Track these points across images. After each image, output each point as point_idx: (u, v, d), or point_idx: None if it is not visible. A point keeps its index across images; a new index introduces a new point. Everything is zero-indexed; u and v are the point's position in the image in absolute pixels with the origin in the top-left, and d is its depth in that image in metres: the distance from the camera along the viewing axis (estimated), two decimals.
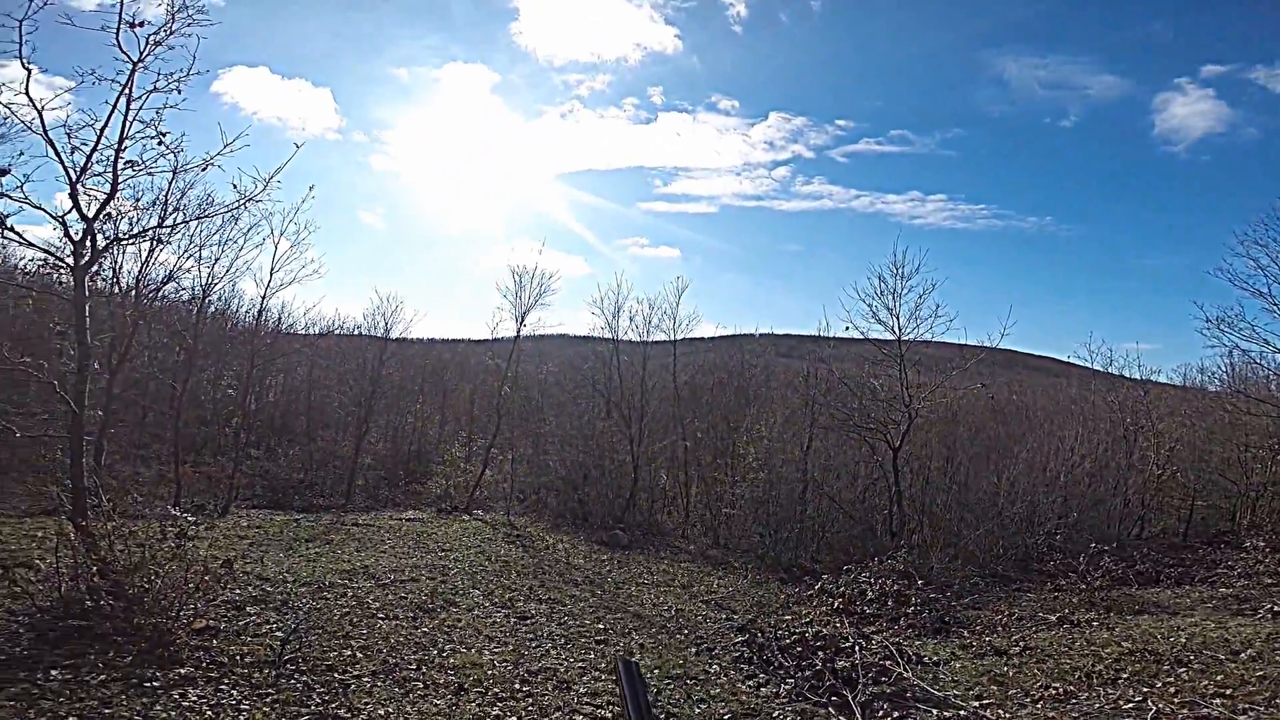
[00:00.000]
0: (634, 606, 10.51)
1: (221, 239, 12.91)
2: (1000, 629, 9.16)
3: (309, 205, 17.13)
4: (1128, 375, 16.31)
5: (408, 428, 19.63)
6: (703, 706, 6.84)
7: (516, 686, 7.03)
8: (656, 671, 7.66)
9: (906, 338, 12.83)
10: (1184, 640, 7.75)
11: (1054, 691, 6.68)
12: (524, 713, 6.46)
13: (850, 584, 10.47)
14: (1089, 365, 16.64)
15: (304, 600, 8.45)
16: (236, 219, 9.74)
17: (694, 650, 8.55)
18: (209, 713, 5.48)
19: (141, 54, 6.95)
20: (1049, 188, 79.46)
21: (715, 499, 15.46)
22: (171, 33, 7.03)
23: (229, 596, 7.89)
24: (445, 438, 20.31)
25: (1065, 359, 20.10)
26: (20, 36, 6.52)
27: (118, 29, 6.71)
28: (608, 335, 17.92)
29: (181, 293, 14.20)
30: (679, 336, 17.74)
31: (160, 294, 13.37)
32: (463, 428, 21.06)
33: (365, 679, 6.67)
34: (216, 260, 12.89)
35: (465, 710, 6.37)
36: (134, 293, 12.32)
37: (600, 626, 9.31)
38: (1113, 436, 14.38)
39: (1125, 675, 6.95)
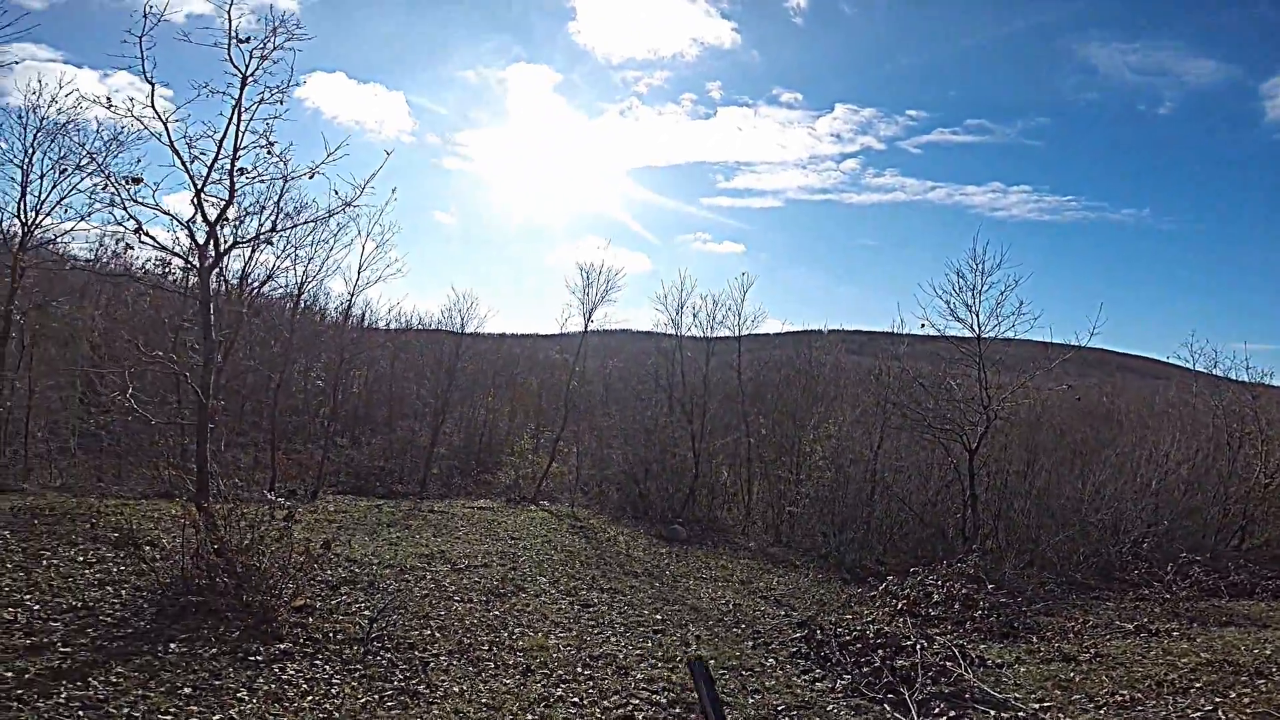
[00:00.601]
0: (691, 599, 10.83)
1: (314, 240, 14.09)
2: (1072, 635, 8.94)
3: (391, 207, 18.40)
4: (1234, 378, 15.19)
5: (479, 420, 20.67)
6: (756, 697, 7.09)
7: (578, 670, 7.51)
8: (712, 662, 7.95)
9: (986, 336, 12.44)
10: (1269, 652, 7.37)
11: (1120, 698, 6.55)
12: (584, 694, 6.91)
13: (915, 586, 10.42)
14: (1190, 366, 15.59)
15: (388, 582, 9.22)
16: (340, 224, 10.62)
17: (751, 644, 8.80)
18: (304, 686, 6.10)
19: (250, 69, 7.67)
20: (1146, 178, 73.74)
21: (779, 497, 15.55)
22: (275, 47, 7.77)
23: (324, 577, 8.69)
24: (514, 430, 21.25)
25: (1164, 359, 18.84)
26: (141, 53, 7.33)
27: (229, 45, 7.45)
28: (671, 331, 18.27)
29: (278, 290, 15.61)
30: (744, 333, 17.83)
31: (261, 292, 14.77)
32: (530, 420, 21.95)
33: (443, 657, 7.26)
34: (310, 260, 14.11)
35: (531, 690, 6.88)
36: (239, 291, 13.67)
37: (658, 617, 9.68)
38: (1215, 442, 13.48)
39: (1199, 685, 6.71)
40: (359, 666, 6.69)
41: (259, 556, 7.25)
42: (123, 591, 7.22)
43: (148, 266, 16.07)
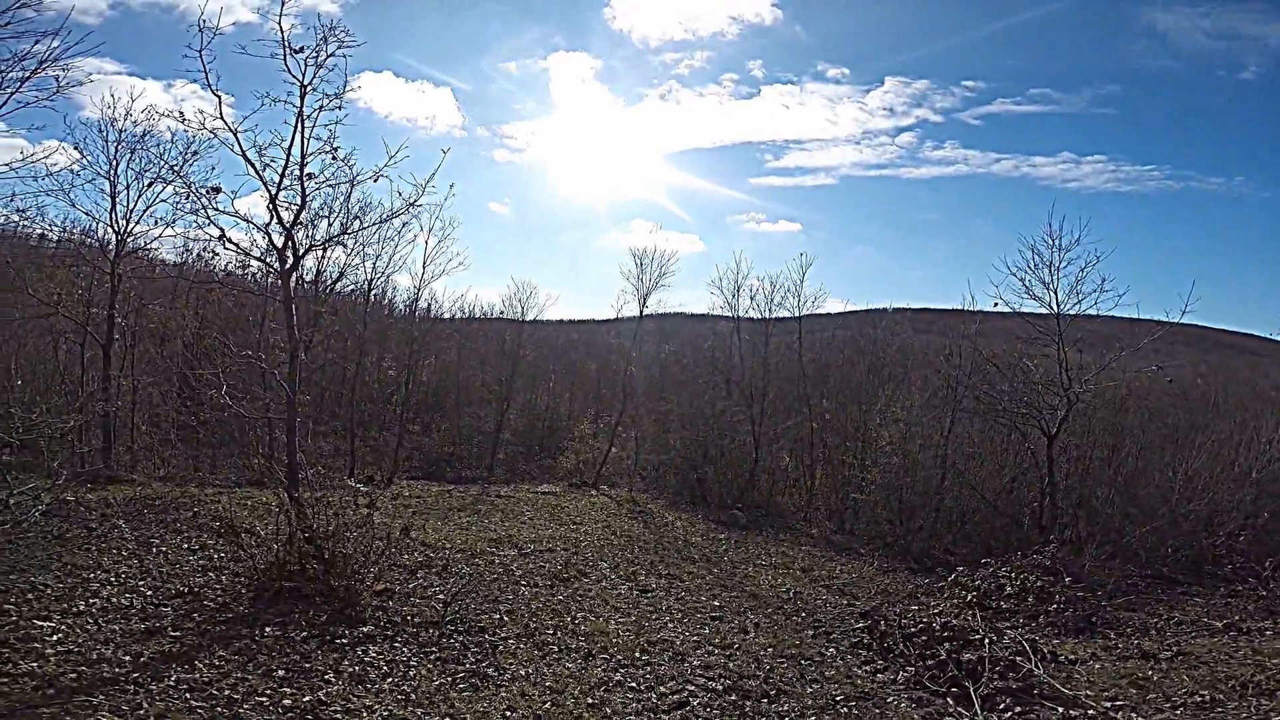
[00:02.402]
0: (750, 586, 11.04)
1: (381, 239, 14.88)
2: (1153, 632, 8.67)
3: (450, 202, 19.15)
4: None
5: (540, 405, 21.36)
6: (815, 686, 7.26)
7: (637, 655, 7.85)
8: (770, 650, 8.18)
9: (1066, 313, 11.89)
10: None
11: (1200, 699, 6.37)
12: (642, 679, 7.25)
13: (987, 577, 10.26)
14: None
15: (460, 566, 9.84)
16: (403, 221, 11.17)
17: (811, 633, 8.96)
18: (384, 668, 6.60)
19: (308, 77, 8.11)
20: (1235, 145, 67.35)
21: (843, 483, 15.45)
22: (328, 55, 8.18)
23: (402, 561, 9.35)
24: (573, 414, 21.84)
25: (1266, 336, 17.35)
26: (204, 66, 7.84)
27: (284, 56, 7.90)
28: (727, 314, 18.28)
29: (350, 287, 16.59)
30: (804, 313, 17.64)
31: (335, 289, 15.75)
32: (589, 405, 22.48)
33: (510, 641, 7.70)
34: (378, 257, 14.94)
35: (592, 674, 7.26)
36: (315, 289, 14.66)
37: (716, 604, 9.95)
38: None
39: None
40: (434, 649, 7.18)
41: (344, 543, 7.81)
42: (223, 577, 7.96)
43: (229, 268, 17.38)
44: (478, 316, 23.66)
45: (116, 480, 11.56)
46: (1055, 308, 12.00)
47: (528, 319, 19.84)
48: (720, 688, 7.10)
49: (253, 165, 8.02)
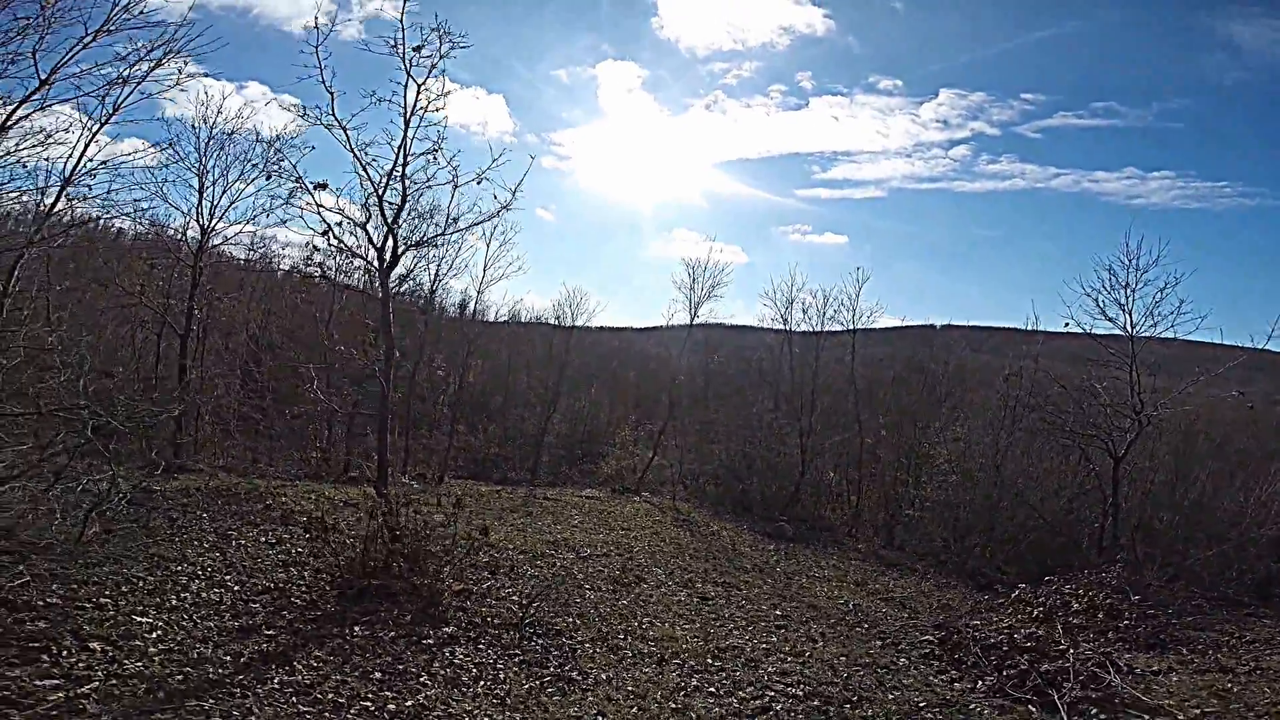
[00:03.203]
0: (808, 597, 11.08)
1: (445, 241, 15.18)
2: (1225, 649, 8.62)
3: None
4: None
5: (582, 410, 21.57)
6: (896, 694, 7.32)
7: (709, 661, 7.96)
8: (843, 658, 8.25)
9: (1139, 335, 11.77)
10: None
11: None
12: (719, 684, 7.35)
13: (1051, 594, 10.22)
14: None
15: (524, 568, 10.01)
16: (493, 225, 11.21)
17: (879, 643, 9.02)
18: (474, 670, 6.70)
19: (422, 76, 8.41)
20: None
21: (894, 499, 15.42)
22: (443, 56, 8.45)
23: (474, 561, 9.48)
24: (612, 421, 22.01)
25: None
26: (319, 62, 8.16)
27: (403, 54, 8.18)
28: (773, 326, 18.37)
29: (413, 288, 16.92)
30: (857, 328, 17.63)
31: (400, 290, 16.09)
32: (629, 412, 22.65)
33: (586, 645, 7.82)
34: (441, 259, 15.29)
35: (668, 679, 7.38)
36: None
37: (778, 613, 10.02)
38: None
39: None
40: (517, 651, 7.28)
41: (428, 541, 8.00)
42: (305, 573, 8.08)
43: (295, 265, 17.81)
44: (524, 320, 24.06)
45: (185, 470, 11.92)
46: (1130, 329, 11.87)
47: (578, 325, 20.12)
48: (800, 693, 7.19)
49: (360, 160, 8.25)
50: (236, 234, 12.42)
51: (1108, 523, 11.87)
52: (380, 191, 8.28)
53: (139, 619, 6.11)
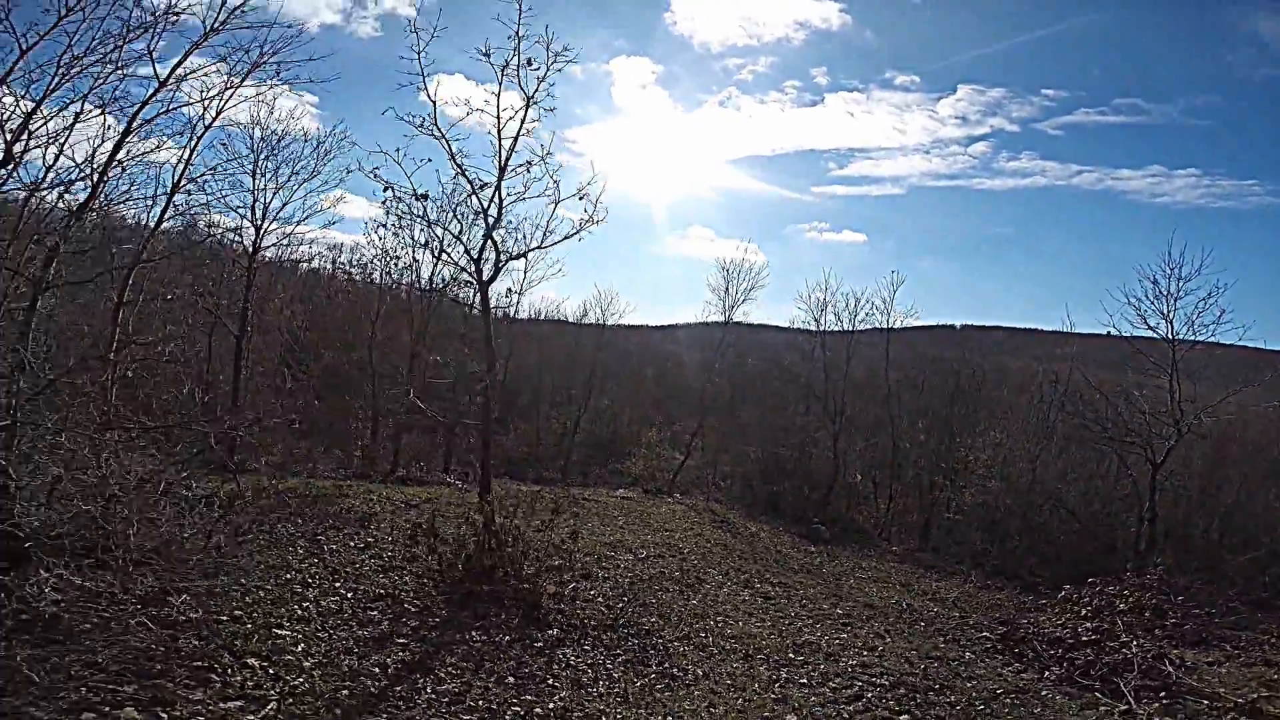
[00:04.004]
0: (861, 597, 11.84)
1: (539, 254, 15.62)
2: (1269, 645, 9.54)
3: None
4: None
5: (606, 409, 22.17)
6: (972, 683, 8.12)
7: (791, 656, 8.69)
8: (914, 653, 9.03)
9: (1181, 340, 12.33)
10: None
11: None
12: (808, 677, 8.07)
13: (1095, 595, 11.09)
14: None
15: (593, 569, 10.62)
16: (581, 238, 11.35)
17: (941, 639, 9.82)
18: (590, 671, 7.27)
19: (532, 90, 8.86)
20: None
21: (930, 503, 16.25)
22: (552, 70, 8.83)
23: (558, 564, 9.97)
24: (634, 420, 22.64)
25: None
26: (421, 69, 8.55)
27: (518, 68, 8.61)
28: (797, 325, 19.06)
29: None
30: (886, 328, 18.33)
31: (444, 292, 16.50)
32: (651, 411, 23.27)
33: (675, 643, 8.45)
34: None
35: (759, 673, 8.08)
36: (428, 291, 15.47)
37: (838, 612, 10.78)
38: None
39: None
40: (619, 651, 7.89)
41: (527, 546, 8.57)
42: (406, 578, 8.56)
43: (338, 268, 18.22)
44: (545, 319, 24.53)
45: (243, 470, 12.31)
46: (1171, 338, 12.47)
47: (608, 324, 20.68)
48: (886, 683, 7.96)
49: (464, 173, 8.67)
50: (287, 235, 12.86)
51: (1143, 528, 12.74)
52: (486, 206, 8.72)
53: (279, 631, 6.50)
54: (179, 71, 7.41)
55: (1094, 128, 73.91)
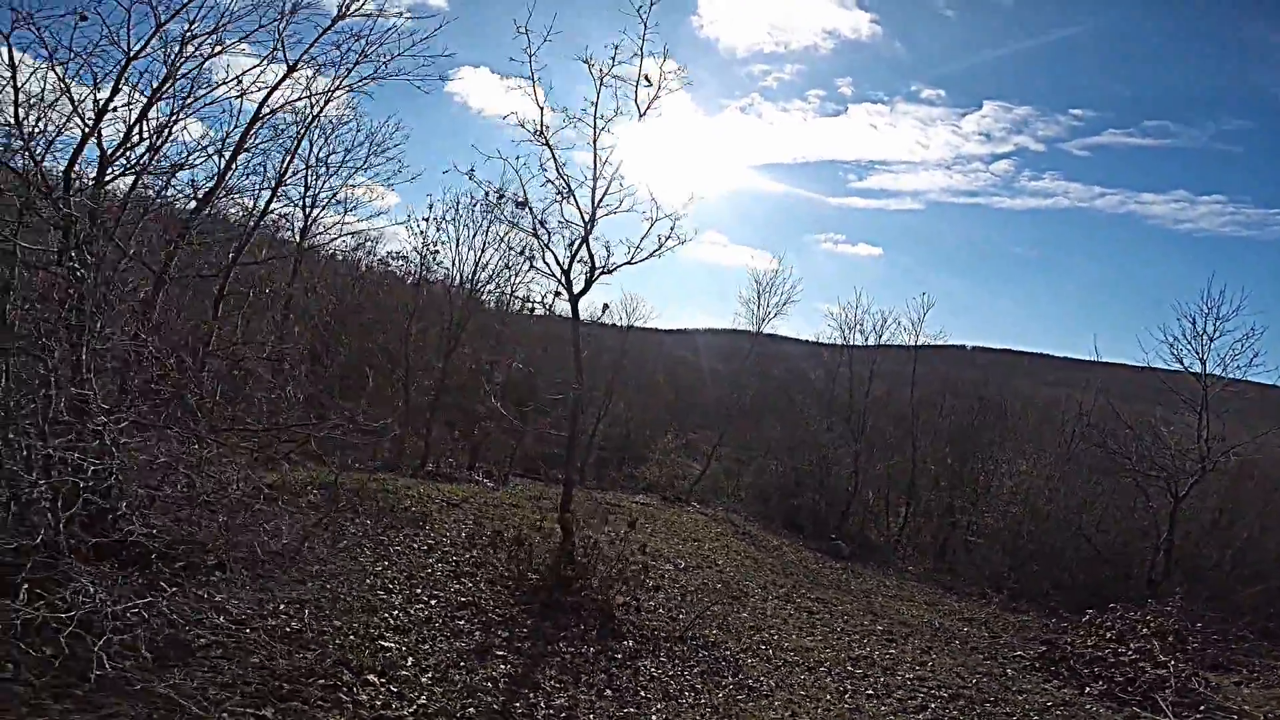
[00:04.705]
0: (894, 615, 12.55)
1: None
2: None
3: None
4: None
5: (621, 413, 22.55)
6: (1022, 696, 8.95)
7: (849, 668, 9.34)
8: (962, 668, 9.77)
9: (1213, 377, 13.11)
10: None
11: None
12: (873, 689, 8.73)
13: (1116, 620, 11.96)
14: None
15: (642, 578, 11.01)
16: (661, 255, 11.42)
17: (980, 656, 10.60)
18: (671, 685, 7.72)
19: (645, 107, 9.21)
20: None
21: (949, 524, 17.06)
22: (667, 91, 9.19)
23: (631, 576, 10.31)
24: (646, 424, 23.08)
25: None
26: (532, 74, 8.64)
27: (636, 86, 8.89)
28: (832, 341, 19.72)
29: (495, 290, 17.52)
30: (917, 345, 19.04)
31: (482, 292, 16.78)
32: (665, 416, 23.72)
33: (741, 655, 9.00)
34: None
35: (827, 685, 8.70)
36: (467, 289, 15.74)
37: (879, 628, 11.47)
38: None
39: None
40: (693, 663, 8.36)
41: (601, 559, 9.00)
42: (481, 584, 8.84)
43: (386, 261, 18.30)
44: (564, 316, 24.66)
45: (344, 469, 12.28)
46: (1203, 376, 13.31)
47: (633, 328, 21.07)
48: (945, 695, 8.73)
49: (566, 181, 8.96)
50: (336, 224, 13.06)
51: (1158, 557, 13.70)
52: (590, 221, 9.05)
53: (385, 644, 6.69)
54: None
55: (1121, 149, 75.07)
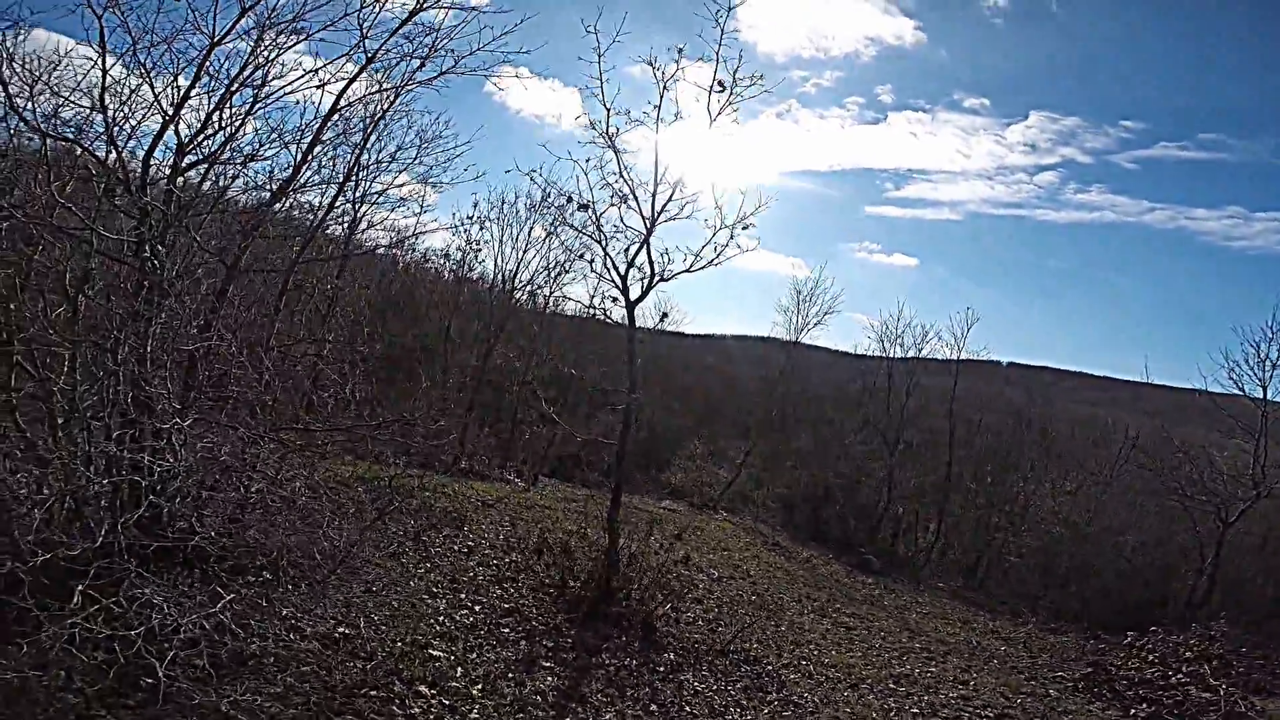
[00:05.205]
0: (931, 632, 12.47)
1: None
2: None
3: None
4: None
5: (647, 416, 22.50)
6: (1068, 718, 9.01)
7: (892, 686, 9.34)
8: (1004, 688, 9.78)
9: (1274, 403, 13.04)
10: None
11: None
12: (918, 708, 8.73)
13: (1158, 644, 11.82)
14: None
15: (684, 589, 10.99)
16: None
17: (1021, 676, 10.61)
18: (716, 700, 7.73)
19: (714, 114, 9.00)
20: None
21: (986, 542, 16.89)
22: (741, 96, 9.08)
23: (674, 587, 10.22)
24: (671, 429, 23.01)
25: None
26: (600, 76, 8.53)
27: (710, 91, 8.75)
28: (870, 353, 19.57)
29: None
30: (959, 359, 18.81)
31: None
32: (692, 422, 23.64)
33: (784, 670, 9.02)
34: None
35: (871, 703, 8.70)
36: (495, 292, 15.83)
37: (916, 645, 11.43)
38: None
39: None
40: (736, 678, 8.37)
41: (644, 569, 9.01)
42: (523, 590, 8.92)
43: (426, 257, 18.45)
44: (592, 317, 24.75)
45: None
46: (1264, 401, 13.22)
47: (667, 330, 21.02)
48: (991, 715, 8.79)
49: (633, 192, 8.89)
50: (381, 221, 13.11)
51: (1200, 580, 13.49)
52: (651, 226, 8.99)
53: (433, 653, 6.77)
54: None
55: (1173, 163, 72.69)
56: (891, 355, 19.34)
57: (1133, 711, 9.35)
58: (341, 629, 6.62)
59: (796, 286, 20.09)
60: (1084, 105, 76.22)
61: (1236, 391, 13.79)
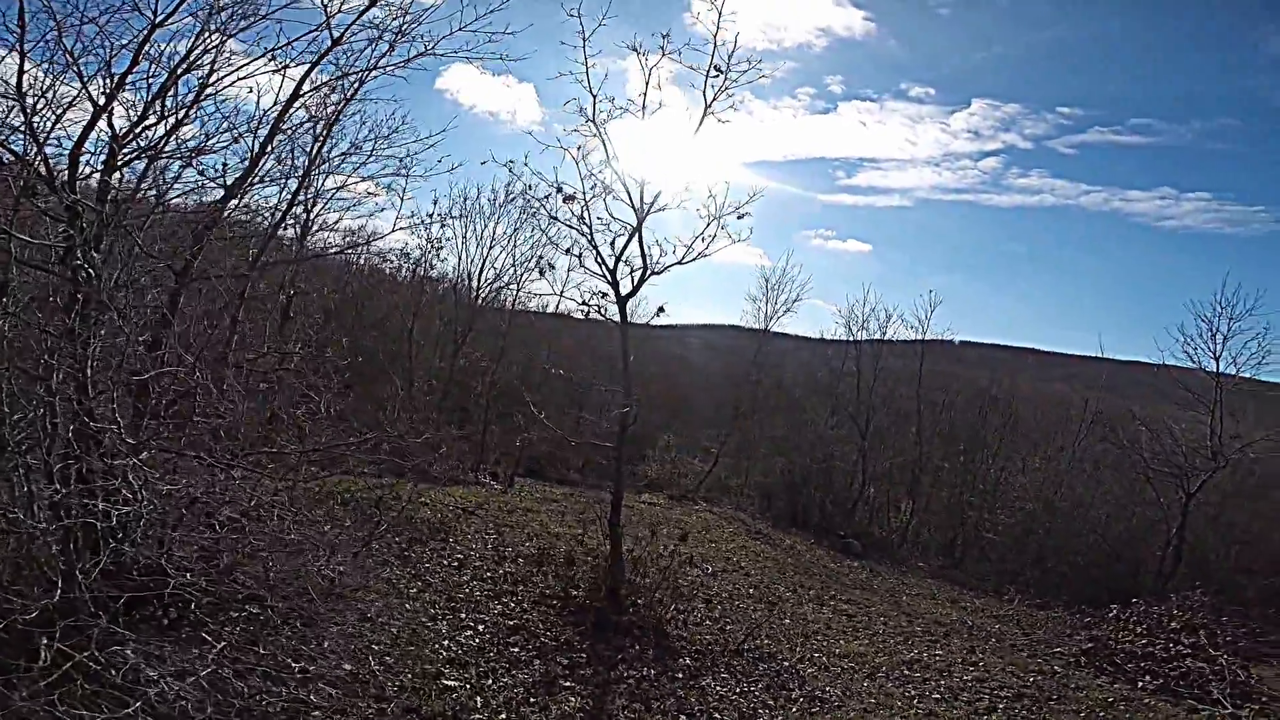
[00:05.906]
0: (925, 614, 12.51)
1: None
2: None
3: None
4: None
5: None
6: (1081, 693, 9.10)
7: (906, 672, 9.31)
8: (1013, 667, 9.87)
9: (1226, 375, 13.48)
10: None
11: None
12: (934, 692, 8.72)
13: (1142, 616, 12.10)
14: None
15: (683, 588, 10.65)
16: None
17: (1023, 654, 10.76)
18: (743, 703, 7.52)
19: (709, 100, 8.76)
20: None
21: (960, 522, 17.10)
22: (736, 80, 8.65)
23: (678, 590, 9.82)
24: (644, 423, 22.58)
25: None
26: (586, 63, 8.20)
27: (705, 77, 8.39)
28: (836, 338, 19.60)
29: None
30: (924, 339, 18.99)
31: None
32: (668, 415, 23.23)
33: (799, 664, 8.90)
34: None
35: (892, 690, 8.65)
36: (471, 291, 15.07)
37: (917, 629, 11.44)
38: None
39: None
40: (756, 678, 8.19)
41: (651, 575, 8.64)
42: (524, 604, 8.52)
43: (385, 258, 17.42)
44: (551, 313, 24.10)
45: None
46: (1217, 376, 13.70)
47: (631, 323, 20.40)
48: (1009, 695, 8.86)
49: (623, 183, 8.43)
50: (336, 222, 12.22)
51: (1168, 551, 13.94)
52: (641, 215, 8.57)
53: (446, 683, 6.43)
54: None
55: (1107, 147, 76.41)
56: (859, 339, 19.46)
57: (1140, 685, 9.57)
58: (345, 665, 6.08)
59: (765, 275, 20.14)
60: (1024, 93, 79.88)
61: (1191, 365, 14.32)
